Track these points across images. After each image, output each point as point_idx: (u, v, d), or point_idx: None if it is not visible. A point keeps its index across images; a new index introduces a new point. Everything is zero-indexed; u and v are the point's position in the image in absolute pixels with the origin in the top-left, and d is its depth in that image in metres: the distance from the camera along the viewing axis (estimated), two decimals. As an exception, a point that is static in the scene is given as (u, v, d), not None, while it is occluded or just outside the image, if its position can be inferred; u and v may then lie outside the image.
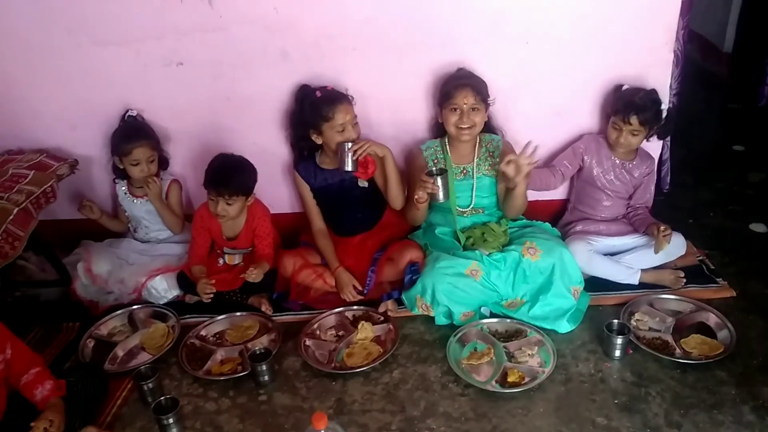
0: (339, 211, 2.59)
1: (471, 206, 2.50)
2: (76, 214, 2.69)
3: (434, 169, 2.36)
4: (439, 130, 2.55)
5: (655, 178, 2.63)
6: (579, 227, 2.57)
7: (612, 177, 2.56)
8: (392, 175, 2.44)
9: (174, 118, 2.68)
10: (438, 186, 2.27)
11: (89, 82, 2.59)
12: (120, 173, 2.64)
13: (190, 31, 2.48)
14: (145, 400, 2.06)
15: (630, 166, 2.55)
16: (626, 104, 2.40)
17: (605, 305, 2.40)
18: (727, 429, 1.85)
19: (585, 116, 2.66)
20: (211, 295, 2.40)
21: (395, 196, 2.49)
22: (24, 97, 2.64)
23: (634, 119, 2.39)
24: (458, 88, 2.35)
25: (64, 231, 2.74)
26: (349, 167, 2.35)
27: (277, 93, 2.60)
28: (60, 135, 2.70)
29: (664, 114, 2.45)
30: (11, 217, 2.17)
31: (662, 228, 2.39)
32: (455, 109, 2.36)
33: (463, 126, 2.38)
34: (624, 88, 2.49)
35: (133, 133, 2.53)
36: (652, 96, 2.43)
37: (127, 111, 2.58)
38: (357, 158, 2.33)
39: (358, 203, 2.57)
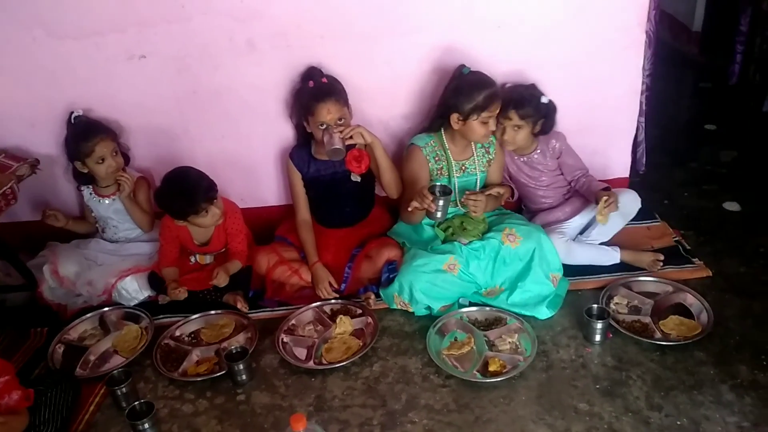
0: (328, 203, 2.53)
1: (457, 200, 2.44)
2: (39, 215, 2.59)
3: (438, 185, 2.24)
4: (433, 125, 2.44)
5: (571, 149, 2.55)
6: (538, 222, 2.55)
7: (527, 173, 2.57)
8: (383, 162, 2.38)
9: (139, 114, 2.59)
10: (438, 206, 2.18)
11: (47, 78, 2.49)
12: (83, 178, 2.54)
13: (153, 23, 2.40)
14: (119, 405, 2.00)
15: (535, 157, 2.54)
16: (504, 100, 2.35)
17: (584, 290, 2.39)
18: (707, 409, 1.86)
19: (559, 101, 2.62)
20: (185, 294, 2.34)
21: (389, 183, 2.42)
22: (-22, 96, 2.53)
23: (513, 113, 2.37)
24: (493, 100, 2.25)
25: (28, 233, 2.65)
26: (337, 144, 2.24)
27: (244, 85, 2.53)
28: (18, 134, 2.60)
29: (546, 107, 2.42)
30: (-30, 221, 2.09)
31: (604, 199, 2.34)
32: (486, 121, 2.28)
33: (489, 134, 2.35)
34: (506, 85, 2.45)
35: (90, 131, 2.43)
36: (530, 90, 2.41)
37: (71, 113, 2.47)
38: (344, 138, 2.25)
39: (349, 197, 2.52)
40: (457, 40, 2.48)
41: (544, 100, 2.41)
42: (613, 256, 2.46)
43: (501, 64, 2.51)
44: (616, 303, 2.30)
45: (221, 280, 2.33)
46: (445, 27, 2.47)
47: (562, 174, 2.58)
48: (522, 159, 2.56)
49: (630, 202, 2.52)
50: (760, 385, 1.92)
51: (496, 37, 2.50)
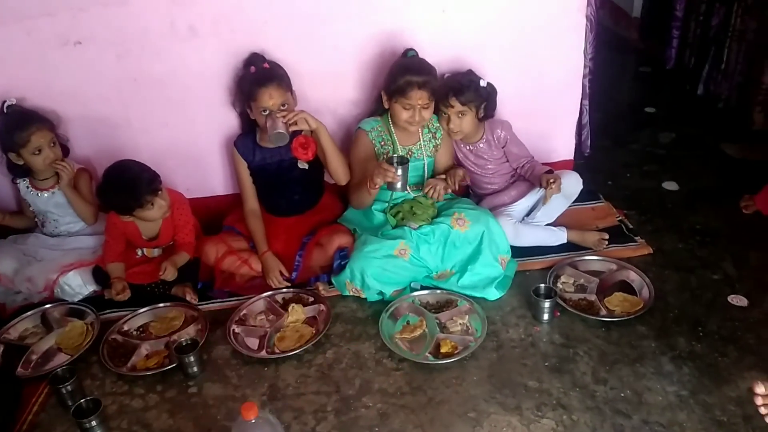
0: (276, 191, 2.50)
1: (423, 184, 2.46)
2: (-28, 211, 2.49)
3: (395, 156, 2.25)
4: (379, 108, 2.45)
5: (516, 137, 2.60)
6: (485, 206, 2.59)
7: (473, 161, 2.61)
8: (329, 148, 2.35)
9: (77, 102, 2.50)
10: (399, 176, 2.20)
11: (-25, 67, 2.38)
12: (19, 171, 2.44)
13: (87, 6, 2.31)
14: (65, 404, 1.94)
15: (481, 146, 2.58)
16: (444, 89, 2.38)
17: (532, 270, 2.44)
18: (649, 380, 1.94)
19: (504, 86, 2.66)
20: (127, 296, 2.29)
21: (336, 169, 2.40)
22: None
23: (454, 100, 2.40)
24: (413, 87, 2.25)
25: (-39, 230, 2.53)
26: (280, 128, 2.20)
27: (187, 71, 2.47)
28: (-53, 126, 2.46)
29: (486, 90, 2.44)
30: None
31: (549, 179, 2.42)
32: (408, 107, 2.30)
33: (414, 122, 2.34)
34: (446, 75, 2.46)
35: (24, 121, 2.33)
36: (468, 76, 2.44)
37: (4, 102, 2.36)
38: (288, 123, 2.22)
39: (297, 185, 2.49)
40: (404, 25, 2.48)
41: (482, 83, 2.43)
42: (560, 236, 2.52)
43: (445, 48, 2.53)
44: (563, 282, 2.36)
45: (169, 274, 2.28)
46: (391, 10, 2.46)
47: (507, 161, 2.62)
48: (468, 147, 2.59)
49: (573, 183, 2.58)
50: (697, 355, 2.02)
51: (440, 21, 2.51)
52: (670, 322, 2.16)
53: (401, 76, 2.28)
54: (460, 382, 1.98)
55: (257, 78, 2.28)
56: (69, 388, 1.94)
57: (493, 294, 2.30)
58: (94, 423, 1.82)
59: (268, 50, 2.42)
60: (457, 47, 2.55)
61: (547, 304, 2.17)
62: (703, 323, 2.14)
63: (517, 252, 2.44)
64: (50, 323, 2.31)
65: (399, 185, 2.23)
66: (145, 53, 2.42)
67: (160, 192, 2.26)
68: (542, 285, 2.23)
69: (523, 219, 2.56)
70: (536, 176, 2.50)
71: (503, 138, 2.56)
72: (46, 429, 1.88)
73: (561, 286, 2.34)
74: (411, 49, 2.40)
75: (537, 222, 2.54)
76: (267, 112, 2.26)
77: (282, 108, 2.27)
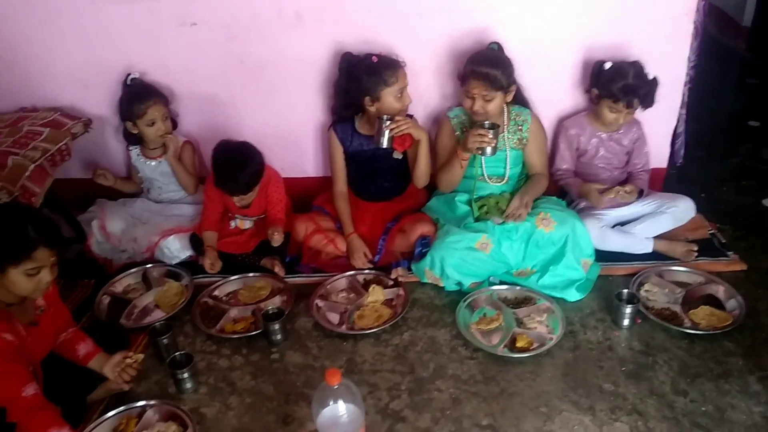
0: (367, 177, 2.58)
1: (505, 176, 2.48)
2: (89, 173, 2.70)
3: (486, 123, 2.27)
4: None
5: (646, 140, 2.59)
6: (583, 203, 2.56)
7: (603, 152, 2.57)
8: (423, 158, 2.44)
9: (186, 80, 2.67)
10: (491, 138, 2.24)
11: (102, 41, 2.58)
12: (133, 139, 2.63)
13: (205, -11, 2.46)
14: (160, 355, 2.10)
15: (617, 135, 2.55)
16: (625, 89, 2.34)
17: (615, 275, 2.41)
18: (733, 398, 1.88)
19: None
20: (218, 268, 2.44)
21: (422, 175, 2.49)
22: (37, 55, 2.62)
23: (636, 102, 2.37)
24: (473, 76, 2.29)
25: (79, 189, 2.75)
26: (384, 144, 2.33)
27: (289, 56, 2.58)
28: (73, 94, 2.69)
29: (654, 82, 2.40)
30: (27, 173, 2.19)
31: (626, 188, 2.43)
32: (469, 96, 2.33)
33: (474, 112, 2.36)
34: (607, 66, 2.41)
35: (144, 94, 2.52)
36: (638, 69, 2.37)
37: (128, 75, 2.56)
38: (393, 136, 2.32)
39: (388, 173, 2.57)
40: (503, 21, 2.49)
41: (651, 76, 2.39)
42: (646, 245, 2.47)
43: (546, 49, 2.53)
44: (647, 290, 2.31)
45: (279, 238, 2.39)
46: (492, 7, 2.48)
47: (625, 162, 2.60)
48: (605, 134, 2.55)
49: (686, 209, 2.51)
50: (788, 378, 1.94)
51: (542, 21, 2.50)
52: (761, 342, 2.08)
53: (466, 66, 2.33)
54: (534, 377, 1.99)
55: (389, 63, 2.33)
56: (165, 341, 2.09)
57: (573, 295, 2.29)
58: (186, 375, 1.97)
59: (367, 41, 2.49)
60: (558, 49, 2.54)
61: (628, 309, 2.13)
62: (798, 347, 2.05)
63: (601, 256, 2.41)
64: (150, 282, 2.49)
65: (489, 149, 2.26)
66: (252, 37, 2.55)
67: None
68: (625, 290, 2.20)
69: (615, 226, 2.51)
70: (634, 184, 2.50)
71: (635, 137, 2.56)
72: (144, 375, 2.03)
73: (644, 294, 2.29)
74: (494, 43, 2.41)
75: (634, 232, 2.48)
76: (401, 95, 2.34)
77: (390, 119, 2.32)
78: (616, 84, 2.36)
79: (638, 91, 2.36)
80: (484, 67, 2.28)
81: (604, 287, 2.34)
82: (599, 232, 2.42)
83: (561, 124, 2.63)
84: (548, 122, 2.65)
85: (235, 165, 2.33)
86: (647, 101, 2.41)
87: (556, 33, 2.52)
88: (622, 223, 2.53)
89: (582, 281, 2.32)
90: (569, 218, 2.34)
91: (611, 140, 2.56)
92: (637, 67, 2.38)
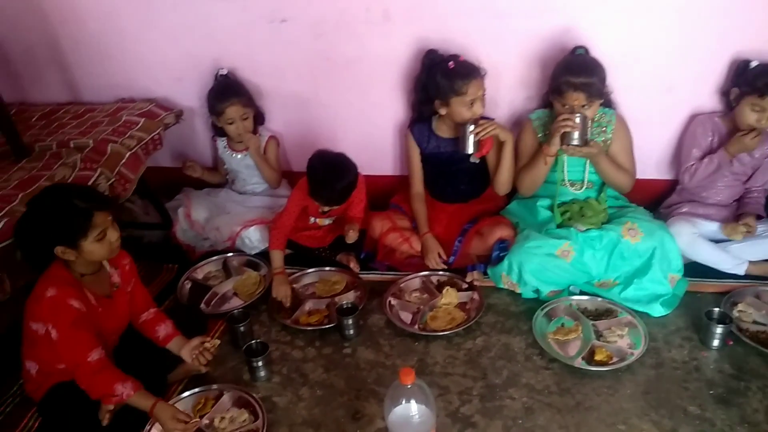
0: (444, 179, 2.56)
1: (584, 181, 2.40)
2: (178, 162, 2.82)
3: (576, 114, 2.17)
4: (547, 101, 2.43)
5: None
6: (685, 209, 2.44)
7: (734, 167, 2.38)
8: (507, 162, 2.38)
9: (273, 76, 2.72)
10: (578, 123, 2.15)
11: (195, 36, 2.67)
12: (219, 131, 2.72)
13: (295, -15, 2.51)
14: (237, 342, 2.16)
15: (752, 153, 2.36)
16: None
17: (704, 292, 2.28)
18: (835, 433, 1.74)
19: (701, 95, 2.48)
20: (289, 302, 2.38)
21: (503, 182, 2.43)
22: (136, 50, 2.76)
23: None
24: (571, 88, 2.19)
25: (167, 178, 2.88)
26: (470, 150, 2.29)
27: (374, 54, 2.59)
28: (167, 86, 2.81)
29: None
30: (124, 160, 2.31)
31: (746, 221, 2.28)
32: (565, 105, 2.24)
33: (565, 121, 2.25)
34: (754, 64, 2.26)
35: (223, 93, 2.59)
36: None
37: (218, 70, 2.64)
38: (478, 140, 2.28)
39: (465, 175, 2.54)
40: (595, 22, 2.39)
41: None
42: (738, 267, 2.31)
43: (640, 50, 2.42)
44: (740, 310, 2.17)
45: (352, 236, 2.39)
46: (583, 7, 2.39)
47: (746, 179, 2.45)
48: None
49: None
50: None
51: (638, 21, 2.38)
52: None
53: (561, 76, 2.23)
54: (612, 392, 1.91)
55: (463, 71, 2.28)
56: (242, 329, 2.15)
57: (657, 311, 2.18)
58: (260, 363, 2.01)
59: (454, 41, 2.47)
60: (652, 50, 2.42)
61: (719, 329, 2.01)
62: None
63: (690, 271, 2.29)
64: (230, 270, 2.57)
65: (576, 135, 2.17)
66: (339, 34, 2.57)
67: None
68: (716, 309, 2.08)
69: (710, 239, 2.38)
70: (753, 209, 2.37)
71: (767, 152, 2.39)
72: (220, 361, 2.09)
73: (738, 314, 2.15)
74: (580, 47, 2.32)
75: (729, 250, 2.34)
76: (472, 104, 2.29)
77: (474, 122, 2.29)
78: (762, 79, 2.20)
79: None
80: (583, 77, 2.19)
81: (691, 304, 2.22)
82: (690, 238, 2.29)
83: (693, 120, 2.47)
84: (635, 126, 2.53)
85: (332, 176, 2.27)
86: None
87: (652, 36, 2.41)
88: (718, 240, 2.36)
89: (668, 296, 2.20)
90: (658, 230, 2.23)
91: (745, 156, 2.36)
92: None
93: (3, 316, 1.91)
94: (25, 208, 1.75)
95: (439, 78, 2.31)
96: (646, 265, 2.21)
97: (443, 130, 2.48)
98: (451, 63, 2.31)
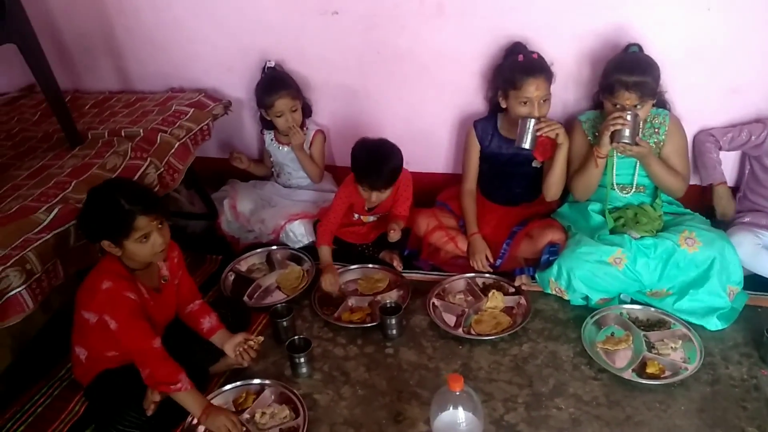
0: (499, 179, 2.50)
1: (633, 185, 2.32)
2: (225, 153, 2.83)
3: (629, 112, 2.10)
4: (597, 102, 2.36)
5: None
6: (747, 219, 2.32)
7: None
8: (560, 166, 2.30)
9: (323, 68, 2.70)
10: (628, 121, 2.07)
11: (246, 27, 2.67)
12: (267, 124, 2.71)
13: (350, -21, 2.48)
14: (279, 337, 2.15)
15: None
16: None
17: (765, 307, 2.17)
18: None
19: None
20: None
21: (556, 184, 2.35)
22: (188, 39, 2.77)
23: None
24: (624, 87, 2.10)
25: (214, 168, 2.89)
26: (527, 144, 2.21)
27: (427, 48, 2.54)
28: (216, 77, 2.82)
29: None
30: (173, 150, 2.32)
31: None
32: (616, 105, 2.15)
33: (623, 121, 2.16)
34: None
35: (272, 86, 2.57)
36: None
37: (266, 62, 2.63)
38: (538, 136, 2.21)
39: (523, 179, 2.48)
40: (656, 19, 2.29)
41: None
42: None
43: (703, 50, 2.32)
44: (806, 329, 2.06)
45: (394, 236, 2.36)
46: (644, 4, 2.29)
47: None
48: None
49: None
50: None
51: (702, 19, 2.28)
52: None
53: (612, 74, 2.15)
54: (665, 408, 1.83)
55: (525, 67, 2.24)
56: (285, 323, 2.14)
57: (714, 324, 2.09)
58: (302, 359, 2.00)
59: (510, 36, 2.40)
60: (716, 50, 2.31)
61: (782, 348, 1.91)
62: None
63: (751, 284, 2.18)
64: (273, 263, 2.57)
65: (627, 132, 2.08)
66: (391, 27, 2.53)
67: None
68: (779, 325, 1.98)
69: None
70: None
71: None
72: (262, 355, 2.08)
73: (803, 333, 2.05)
74: (633, 44, 2.24)
75: None
76: (526, 102, 2.23)
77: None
78: None
79: None
80: (636, 76, 2.10)
81: (751, 319, 2.12)
82: (753, 249, 2.19)
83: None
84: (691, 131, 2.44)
85: (377, 158, 2.29)
86: None
87: (716, 35, 2.29)
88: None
89: (725, 310, 2.10)
90: (718, 240, 2.13)
91: None
92: None
93: (55, 297, 1.94)
94: (82, 195, 1.77)
95: (506, 68, 2.28)
96: (703, 276, 2.12)
97: (507, 130, 2.41)
98: (520, 56, 2.26)
